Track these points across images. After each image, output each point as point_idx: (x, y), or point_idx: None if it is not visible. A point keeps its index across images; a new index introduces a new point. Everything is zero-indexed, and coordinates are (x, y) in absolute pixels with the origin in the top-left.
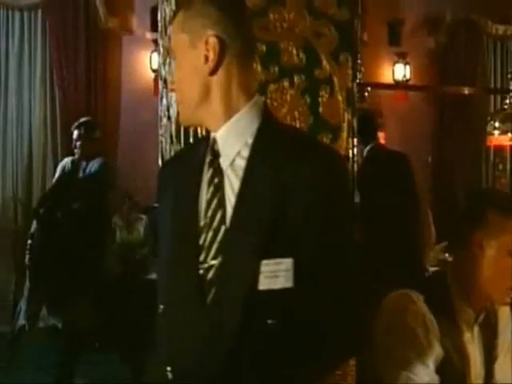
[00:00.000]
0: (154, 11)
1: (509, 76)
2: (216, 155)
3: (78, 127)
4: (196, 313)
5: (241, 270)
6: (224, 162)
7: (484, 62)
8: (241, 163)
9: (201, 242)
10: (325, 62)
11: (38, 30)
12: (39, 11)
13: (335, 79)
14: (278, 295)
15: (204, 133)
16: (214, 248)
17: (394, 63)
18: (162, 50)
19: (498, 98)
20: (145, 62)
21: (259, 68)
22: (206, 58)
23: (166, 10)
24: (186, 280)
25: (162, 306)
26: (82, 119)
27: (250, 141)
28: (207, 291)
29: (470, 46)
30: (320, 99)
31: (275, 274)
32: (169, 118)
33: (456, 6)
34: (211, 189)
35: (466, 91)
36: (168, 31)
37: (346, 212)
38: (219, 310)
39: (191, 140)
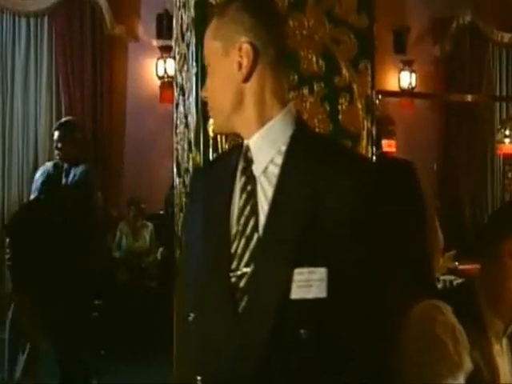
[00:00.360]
0: (159, 18)
1: None
2: (249, 162)
3: (58, 128)
4: (228, 321)
5: (274, 278)
6: (257, 169)
7: (489, 69)
8: (274, 170)
9: (233, 249)
10: (344, 70)
11: (45, 36)
12: (45, 18)
13: (355, 87)
14: (310, 305)
15: (224, 141)
16: (247, 256)
17: (400, 71)
18: (177, 56)
19: (504, 105)
20: (151, 69)
21: None
22: (240, 65)
23: (182, 17)
24: (218, 288)
25: (192, 314)
26: (63, 119)
27: (284, 148)
28: (239, 299)
29: (475, 53)
30: (339, 107)
31: (308, 283)
32: (186, 125)
33: (462, 14)
34: (244, 196)
35: (472, 99)
36: (185, 38)
37: (381, 221)
38: (251, 318)
39: (211, 148)
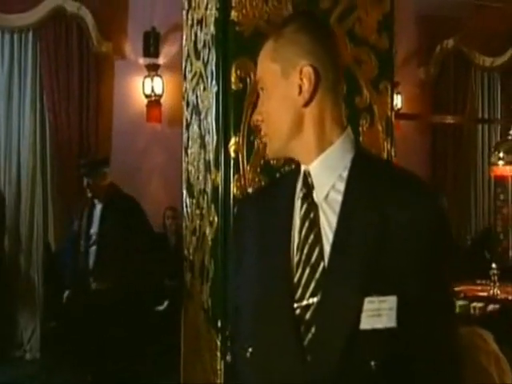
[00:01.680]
0: (146, 36)
1: (511, 107)
2: (310, 188)
3: None
4: (292, 355)
5: (343, 308)
6: (318, 196)
7: (473, 92)
8: (336, 197)
9: (295, 279)
10: (365, 90)
11: (29, 52)
12: (30, 33)
13: (375, 108)
14: (380, 335)
15: (246, 162)
16: (312, 285)
17: None
18: (189, 75)
19: (486, 127)
20: (137, 88)
21: None
22: (300, 89)
23: (197, 34)
24: (281, 320)
25: (250, 349)
26: None
27: (345, 174)
28: (304, 332)
29: (459, 76)
30: (360, 128)
31: (379, 312)
32: (204, 146)
33: (446, 38)
34: (307, 223)
35: (456, 121)
36: (201, 56)
37: (449, 249)
38: (318, 351)
39: (231, 169)
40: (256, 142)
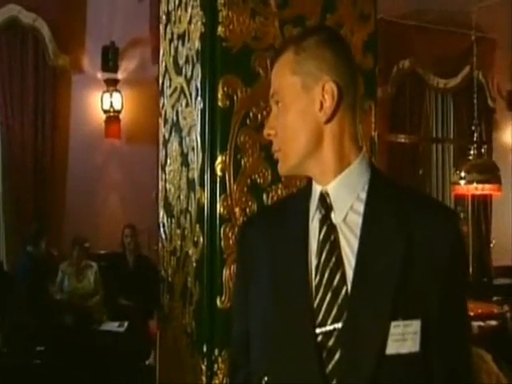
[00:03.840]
0: (105, 50)
1: (472, 127)
2: (328, 209)
3: None
4: (314, 383)
5: (370, 333)
6: (336, 217)
7: (427, 112)
8: (355, 218)
9: (315, 304)
10: None
11: None
12: None
13: (360, 127)
14: (404, 360)
15: (232, 181)
16: (335, 310)
17: None
18: (168, 91)
19: (440, 146)
20: (95, 102)
21: None
22: (321, 105)
23: (178, 49)
24: (301, 346)
25: (266, 378)
26: None
27: (363, 195)
28: (327, 359)
29: (415, 96)
30: None
31: (403, 336)
32: (187, 164)
33: (402, 59)
34: (327, 246)
35: (412, 140)
36: (183, 71)
37: (466, 270)
38: (343, 378)
39: (218, 187)
40: (243, 161)
